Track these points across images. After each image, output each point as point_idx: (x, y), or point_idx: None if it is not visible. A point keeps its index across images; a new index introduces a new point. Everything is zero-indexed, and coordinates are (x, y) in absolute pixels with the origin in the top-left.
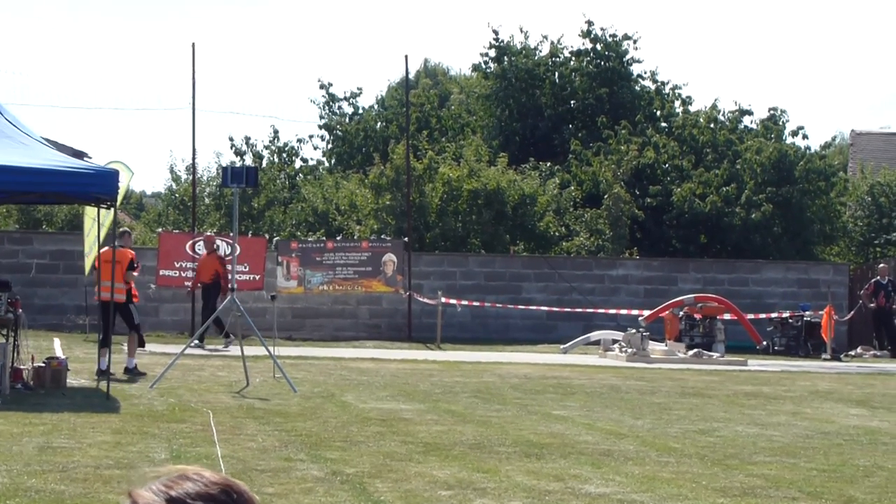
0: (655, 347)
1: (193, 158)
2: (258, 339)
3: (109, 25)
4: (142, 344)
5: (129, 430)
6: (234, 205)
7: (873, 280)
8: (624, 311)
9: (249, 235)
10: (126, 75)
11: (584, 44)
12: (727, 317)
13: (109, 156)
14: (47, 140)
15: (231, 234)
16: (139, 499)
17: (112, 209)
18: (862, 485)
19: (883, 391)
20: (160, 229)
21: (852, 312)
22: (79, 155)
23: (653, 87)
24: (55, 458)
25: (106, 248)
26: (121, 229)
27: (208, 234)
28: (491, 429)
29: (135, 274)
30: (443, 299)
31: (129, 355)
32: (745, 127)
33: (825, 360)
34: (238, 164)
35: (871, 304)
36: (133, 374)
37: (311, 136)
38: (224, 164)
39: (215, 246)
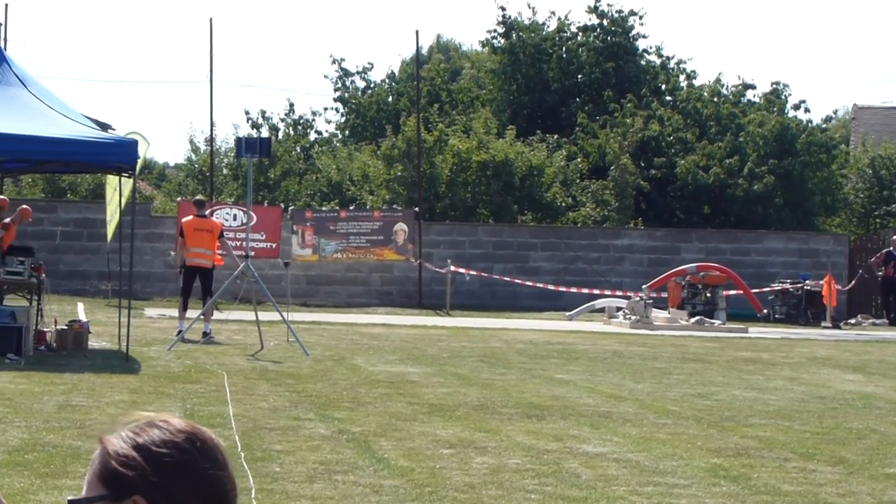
0: (658, 315)
1: (211, 130)
2: (272, 305)
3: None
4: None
5: (146, 390)
6: (248, 174)
7: (885, 250)
8: (628, 280)
9: (266, 205)
10: (146, 49)
11: (590, 19)
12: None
13: (131, 128)
14: (85, 116)
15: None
16: (108, 444)
17: (132, 178)
18: (854, 447)
19: (880, 358)
20: (179, 198)
21: (853, 282)
22: (104, 127)
23: (658, 61)
24: (73, 415)
25: (190, 217)
26: (199, 198)
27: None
28: (494, 391)
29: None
30: (452, 268)
31: (206, 320)
32: (748, 100)
33: (825, 327)
34: (253, 136)
35: (880, 273)
36: (209, 339)
37: (325, 109)
38: (240, 136)
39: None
